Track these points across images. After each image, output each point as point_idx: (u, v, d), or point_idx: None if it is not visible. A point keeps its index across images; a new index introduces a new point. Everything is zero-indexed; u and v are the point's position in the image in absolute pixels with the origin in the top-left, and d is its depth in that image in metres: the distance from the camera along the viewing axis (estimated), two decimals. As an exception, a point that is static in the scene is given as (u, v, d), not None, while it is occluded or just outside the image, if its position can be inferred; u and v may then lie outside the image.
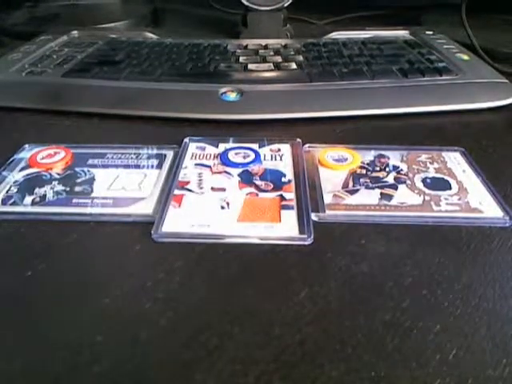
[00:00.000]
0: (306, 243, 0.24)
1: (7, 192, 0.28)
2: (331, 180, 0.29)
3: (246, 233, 0.24)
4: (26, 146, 0.32)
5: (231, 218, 0.25)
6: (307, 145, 0.32)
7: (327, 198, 0.27)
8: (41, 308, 0.21)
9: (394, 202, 0.27)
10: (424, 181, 0.29)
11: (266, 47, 0.48)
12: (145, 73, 0.41)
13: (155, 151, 0.32)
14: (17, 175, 0.29)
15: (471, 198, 0.27)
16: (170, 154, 0.31)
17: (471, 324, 0.20)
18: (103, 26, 0.59)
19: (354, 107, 0.37)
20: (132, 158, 0.31)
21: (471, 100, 0.38)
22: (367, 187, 0.28)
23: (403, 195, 0.27)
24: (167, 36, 0.52)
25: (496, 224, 0.25)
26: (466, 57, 0.45)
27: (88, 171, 0.30)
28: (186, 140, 0.33)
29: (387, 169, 0.30)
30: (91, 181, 0.29)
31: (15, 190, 0.28)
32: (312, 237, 0.24)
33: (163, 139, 0.33)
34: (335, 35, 0.52)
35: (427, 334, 0.19)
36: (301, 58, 0.44)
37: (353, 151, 0.31)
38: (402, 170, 0.30)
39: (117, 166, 0.30)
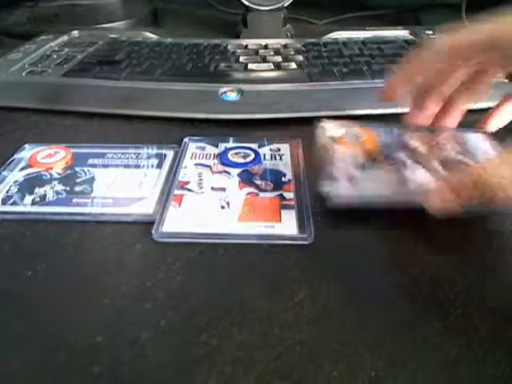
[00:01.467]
0: (307, 242, 0.24)
1: (7, 192, 0.28)
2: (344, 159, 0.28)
3: (247, 232, 0.24)
4: (26, 145, 0.32)
5: (231, 217, 0.25)
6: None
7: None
8: (41, 308, 0.21)
9: (410, 184, 0.26)
10: (443, 162, 0.28)
11: (266, 47, 0.48)
12: (145, 73, 0.41)
13: (155, 151, 0.32)
14: (17, 175, 0.29)
15: None
16: (170, 154, 0.31)
17: (471, 324, 0.20)
18: (103, 25, 0.59)
19: (354, 107, 0.37)
20: (132, 157, 0.31)
21: (471, 100, 0.38)
22: (384, 169, 0.27)
23: (421, 177, 0.26)
24: (167, 36, 0.52)
25: None
26: (466, 57, 0.45)
27: (88, 171, 0.30)
28: (186, 140, 0.33)
29: (403, 150, 0.29)
30: (91, 180, 0.29)
31: (15, 190, 0.28)
32: (312, 236, 0.24)
33: (163, 139, 0.33)
34: (335, 35, 0.52)
35: (427, 333, 0.19)
36: (301, 57, 0.44)
37: (368, 131, 0.30)
38: (419, 150, 0.29)
39: (117, 166, 0.30)
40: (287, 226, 0.25)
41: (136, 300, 0.21)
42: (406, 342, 0.19)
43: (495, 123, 0.31)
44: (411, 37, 0.51)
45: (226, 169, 0.30)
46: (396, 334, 0.19)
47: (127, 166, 0.30)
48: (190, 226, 0.25)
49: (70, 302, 0.21)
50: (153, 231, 0.24)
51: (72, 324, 0.20)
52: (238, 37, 0.53)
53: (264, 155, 0.31)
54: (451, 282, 0.22)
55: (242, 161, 0.30)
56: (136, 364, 0.18)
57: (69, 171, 0.30)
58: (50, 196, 0.27)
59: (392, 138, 0.30)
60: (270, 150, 0.32)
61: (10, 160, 0.31)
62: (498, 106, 0.32)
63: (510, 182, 0.22)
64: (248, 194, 0.27)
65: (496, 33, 0.25)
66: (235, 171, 0.29)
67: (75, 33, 0.53)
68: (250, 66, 0.43)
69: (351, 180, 0.26)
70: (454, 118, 0.30)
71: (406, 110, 0.37)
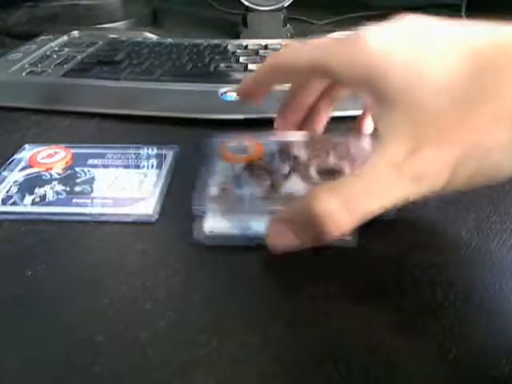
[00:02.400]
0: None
1: (7, 192, 0.28)
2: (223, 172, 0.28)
3: None
4: (26, 145, 0.32)
5: None
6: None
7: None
8: (41, 308, 0.21)
9: (280, 193, 0.26)
10: (318, 170, 0.27)
11: (266, 47, 0.48)
12: (145, 73, 0.41)
13: (155, 151, 0.32)
14: (17, 175, 0.29)
15: None
16: (169, 155, 0.31)
17: (471, 324, 0.20)
18: (103, 26, 0.59)
19: (354, 107, 0.37)
20: (132, 158, 0.31)
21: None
22: (258, 179, 0.27)
23: (292, 185, 0.26)
24: (167, 36, 0.52)
25: None
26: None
27: (88, 171, 0.30)
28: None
29: (285, 158, 0.29)
30: (91, 181, 0.29)
31: (15, 190, 0.28)
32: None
33: (163, 139, 0.33)
34: (335, 35, 0.52)
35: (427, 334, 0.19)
36: (301, 57, 0.44)
37: (257, 142, 0.30)
38: (300, 158, 0.28)
39: (117, 166, 0.30)
40: None
41: (136, 300, 0.21)
42: (405, 341, 0.19)
43: (370, 125, 0.30)
44: (411, 37, 0.51)
45: None
46: (396, 333, 0.19)
47: (127, 167, 0.30)
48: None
49: (69, 301, 0.21)
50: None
51: (72, 324, 0.20)
52: (238, 37, 0.53)
53: None
54: (450, 283, 0.22)
55: None
56: (136, 364, 0.18)
57: (69, 171, 0.30)
58: (50, 196, 0.27)
59: (276, 148, 0.30)
60: None
61: (10, 160, 0.31)
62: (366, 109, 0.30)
63: (338, 214, 0.19)
64: None
65: (320, 58, 0.22)
66: None
67: (75, 33, 0.53)
68: (250, 66, 0.42)
69: (224, 193, 0.26)
70: (316, 125, 0.30)
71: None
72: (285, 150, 0.29)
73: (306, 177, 0.27)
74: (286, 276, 0.22)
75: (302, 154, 0.29)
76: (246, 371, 0.18)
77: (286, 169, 0.28)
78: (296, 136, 0.30)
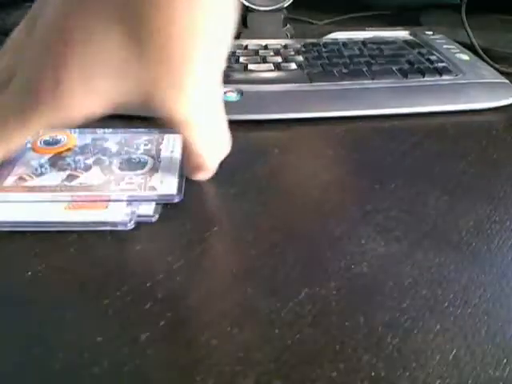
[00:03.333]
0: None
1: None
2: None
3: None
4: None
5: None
6: None
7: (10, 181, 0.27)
8: (41, 308, 0.21)
9: (75, 182, 0.27)
10: (121, 162, 0.29)
11: (266, 47, 0.48)
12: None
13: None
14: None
15: (156, 177, 0.27)
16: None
17: (471, 324, 0.20)
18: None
19: (354, 107, 0.37)
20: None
21: (471, 100, 0.38)
22: (59, 169, 0.28)
23: (91, 176, 0.27)
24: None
25: (167, 200, 0.26)
26: (466, 57, 0.45)
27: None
28: None
29: (95, 151, 0.30)
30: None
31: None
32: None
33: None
34: (335, 35, 0.52)
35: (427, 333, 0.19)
36: (301, 58, 0.44)
37: (71, 134, 0.31)
38: (110, 151, 0.30)
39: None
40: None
41: (136, 300, 0.21)
42: (405, 341, 0.19)
43: None
44: (411, 37, 0.51)
45: None
46: (396, 333, 0.19)
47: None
48: None
49: (69, 302, 0.21)
50: None
51: (72, 324, 0.20)
52: (237, 37, 0.53)
53: None
54: (450, 282, 0.22)
55: None
56: (136, 364, 0.18)
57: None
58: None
59: (88, 141, 0.31)
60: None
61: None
62: None
63: None
64: None
65: None
66: None
67: (75, 33, 0.53)
68: (250, 66, 0.42)
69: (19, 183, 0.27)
70: None
71: (407, 110, 0.37)
72: (97, 143, 0.31)
73: (106, 169, 0.28)
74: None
75: (113, 147, 0.30)
76: (246, 371, 0.18)
77: (89, 161, 0.29)
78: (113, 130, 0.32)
